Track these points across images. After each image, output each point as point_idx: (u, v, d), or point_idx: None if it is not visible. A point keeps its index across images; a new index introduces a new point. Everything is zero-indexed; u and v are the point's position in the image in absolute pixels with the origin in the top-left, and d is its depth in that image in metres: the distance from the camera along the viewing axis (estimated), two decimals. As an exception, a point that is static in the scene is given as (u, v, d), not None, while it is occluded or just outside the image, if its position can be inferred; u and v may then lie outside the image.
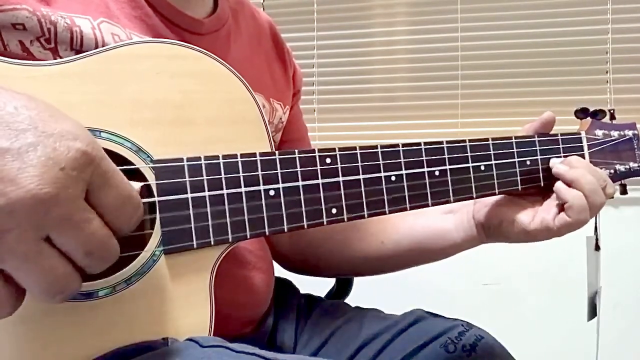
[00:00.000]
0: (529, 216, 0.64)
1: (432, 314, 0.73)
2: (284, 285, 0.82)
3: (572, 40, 1.81)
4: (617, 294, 1.67)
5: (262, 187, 0.51)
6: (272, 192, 0.51)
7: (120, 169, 0.45)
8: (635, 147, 0.73)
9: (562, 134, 0.68)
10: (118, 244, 0.39)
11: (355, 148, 0.55)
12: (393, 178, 0.57)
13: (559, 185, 0.63)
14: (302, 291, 0.83)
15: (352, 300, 0.84)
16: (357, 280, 0.91)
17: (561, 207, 0.62)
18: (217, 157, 0.50)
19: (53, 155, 0.34)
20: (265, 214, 0.51)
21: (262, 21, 0.79)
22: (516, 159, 0.64)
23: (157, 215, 0.47)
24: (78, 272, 0.38)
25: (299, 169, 0.52)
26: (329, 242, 0.79)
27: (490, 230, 0.68)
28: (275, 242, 0.79)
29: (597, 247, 0.75)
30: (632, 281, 1.72)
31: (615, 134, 0.71)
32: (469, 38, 1.88)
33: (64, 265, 0.36)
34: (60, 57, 0.51)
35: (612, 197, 0.66)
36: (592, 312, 0.75)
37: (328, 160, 0.54)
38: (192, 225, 0.48)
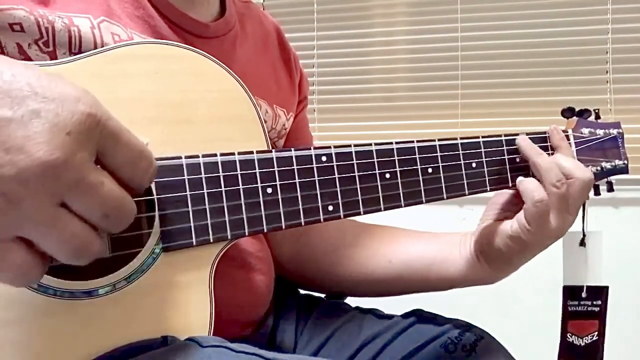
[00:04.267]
0: (510, 222, 0.64)
1: (432, 314, 0.72)
2: (283, 286, 0.81)
3: (572, 40, 1.81)
4: (617, 294, 1.67)
5: (259, 185, 0.51)
6: (269, 190, 0.52)
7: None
8: (620, 145, 0.74)
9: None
10: (134, 203, 0.39)
11: (350, 146, 0.56)
12: (387, 175, 0.58)
13: (518, 179, 0.64)
14: (302, 291, 0.83)
15: (352, 300, 0.84)
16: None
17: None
18: (215, 156, 0.50)
19: (57, 121, 0.34)
20: (263, 211, 0.51)
21: (268, 26, 0.79)
22: (506, 156, 0.65)
23: (156, 213, 0.47)
24: (99, 235, 0.38)
25: (295, 166, 0.53)
26: (334, 257, 0.77)
27: (485, 254, 0.67)
28: (275, 250, 0.77)
29: (582, 243, 0.76)
30: (632, 281, 1.72)
31: (600, 132, 0.73)
32: (469, 38, 1.88)
33: (84, 229, 0.36)
34: None
35: (595, 186, 0.67)
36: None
37: (324, 158, 0.55)
38: (191, 223, 0.48)
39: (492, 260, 0.67)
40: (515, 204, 0.65)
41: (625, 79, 1.80)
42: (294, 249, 0.79)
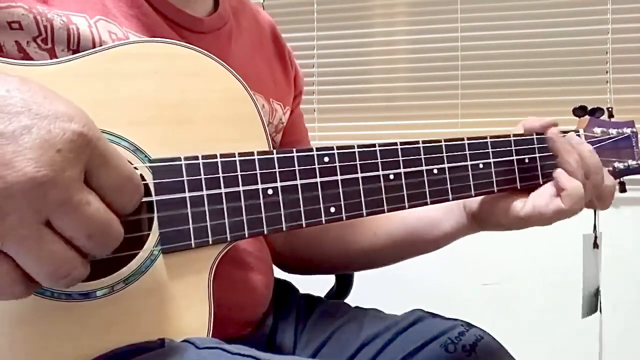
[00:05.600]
0: (522, 202, 0.64)
1: (432, 314, 0.72)
2: (283, 286, 0.81)
3: (572, 40, 1.81)
4: (617, 294, 1.67)
5: (260, 186, 0.51)
6: (270, 191, 0.51)
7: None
8: (634, 144, 0.73)
9: (561, 131, 0.68)
10: (121, 226, 0.38)
11: (353, 146, 0.55)
12: (391, 176, 0.57)
13: (559, 172, 0.62)
14: (301, 291, 0.83)
15: (352, 300, 0.84)
16: (357, 280, 0.91)
17: (556, 193, 0.62)
18: (214, 156, 0.49)
19: (48, 138, 0.34)
20: (263, 213, 0.51)
21: (263, 22, 0.79)
22: (514, 157, 0.64)
23: (155, 215, 0.47)
24: (83, 257, 0.37)
25: (296, 167, 0.52)
26: (323, 238, 0.79)
27: (482, 218, 0.68)
28: (269, 240, 0.78)
29: (596, 245, 0.75)
30: (632, 281, 1.72)
31: (613, 131, 0.72)
32: (469, 38, 1.88)
33: (66, 250, 0.36)
34: (57, 58, 0.51)
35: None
36: (588, 309, 0.75)
37: (326, 159, 0.54)
38: (190, 225, 0.48)
39: (485, 226, 0.68)
40: None
41: (625, 79, 1.80)
42: (284, 238, 0.81)
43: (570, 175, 0.61)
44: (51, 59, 0.51)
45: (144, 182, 0.47)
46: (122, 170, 0.38)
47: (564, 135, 0.66)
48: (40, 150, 0.34)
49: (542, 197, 0.63)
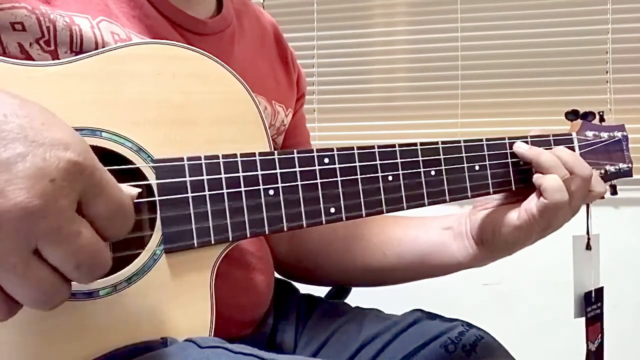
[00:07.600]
0: (516, 212, 0.64)
1: (432, 314, 0.73)
2: (284, 286, 0.82)
3: (572, 40, 1.81)
4: (617, 294, 1.67)
5: (261, 187, 0.51)
6: (271, 192, 0.51)
7: (121, 168, 0.45)
8: (624, 148, 0.74)
9: (553, 135, 0.69)
10: (110, 256, 0.38)
11: (352, 148, 0.56)
12: (390, 178, 0.57)
13: (535, 176, 0.63)
14: (302, 291, 0.83)
15: (352, 300, 0.84)
16: (357, 280, 0.91)
17: (540, 194, 0.62)
18: (217, 157, 0.50)
19: (43, 166, 0.34)
20: (265, 213, 0.51)
21: (265, 23, 0.79)
22: (509, 159, 0.65)
23: (158, 215, 0.47)
24: (67, 283, 0.37)
25: (297, 168, 0.53)
26: (329, 251, 0.78)
27: (489, 243, 0.67)
28: (273, 248, 0.78)
29: (589, 247, 0.75)
30: (632, 281, 1.72)
31: (605, 135, 0.73)
32: (469, 38, 1.88)
33: (53, 278, 0.36)
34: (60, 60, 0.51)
35: (602, 197, 0.67)
36: (579, 310, 0.76)
37: (326, 160, 0.54)
38: (193, 225, 0.48)
39: (494, 248, 0.67)
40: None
41: (625, 79, 1.80)
42: (289, 247, 0.80)
43: (547, 172, 0.62)
44: (54, 60, 0.52)
45: (147, 182, 0.47)
46: (116, 199, 0.38)
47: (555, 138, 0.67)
48: (34, 179, 0.33)
49: (530, 201, 0.63)
